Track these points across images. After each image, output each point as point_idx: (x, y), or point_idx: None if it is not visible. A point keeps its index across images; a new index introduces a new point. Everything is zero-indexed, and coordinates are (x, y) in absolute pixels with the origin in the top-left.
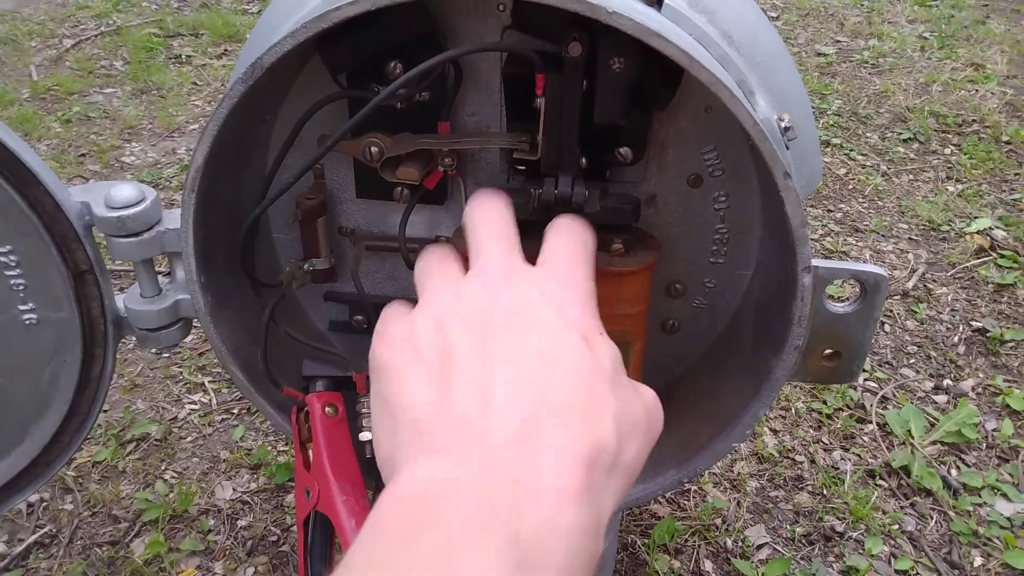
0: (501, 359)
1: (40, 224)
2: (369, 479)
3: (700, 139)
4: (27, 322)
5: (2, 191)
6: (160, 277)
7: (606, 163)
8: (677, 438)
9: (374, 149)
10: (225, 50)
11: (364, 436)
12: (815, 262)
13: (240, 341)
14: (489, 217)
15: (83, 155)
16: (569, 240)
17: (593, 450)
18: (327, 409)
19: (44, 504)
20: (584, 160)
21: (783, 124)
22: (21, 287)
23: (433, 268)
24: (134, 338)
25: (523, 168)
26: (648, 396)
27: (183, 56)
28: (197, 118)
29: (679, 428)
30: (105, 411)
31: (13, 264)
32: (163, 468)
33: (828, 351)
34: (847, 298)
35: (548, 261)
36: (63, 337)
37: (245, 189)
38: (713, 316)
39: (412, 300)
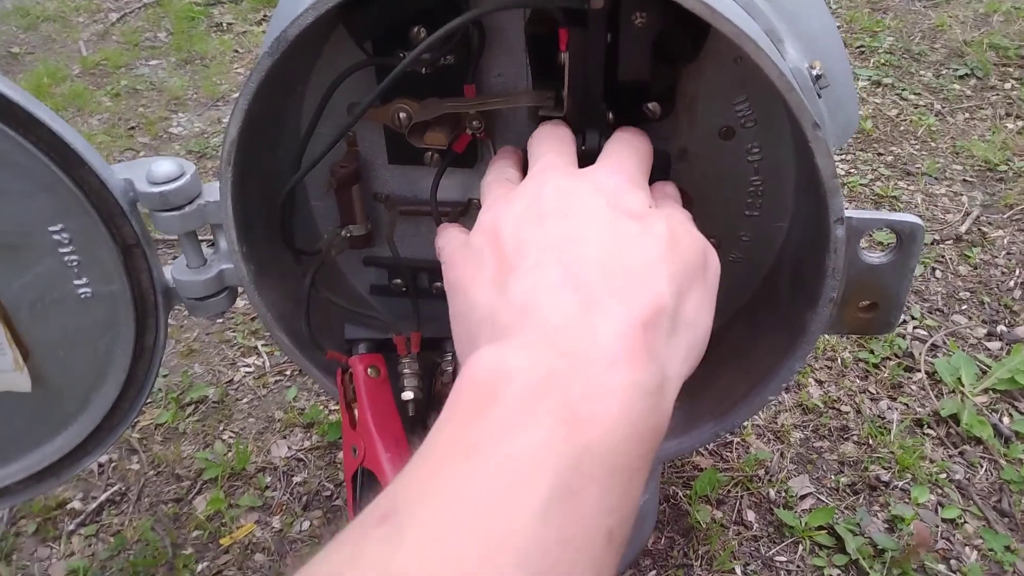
0: (552, 246)
1: (87, 202)
2: (412, 436)
3: (730, 90)
4: (82, 296)
5: (50, 172)
6: (205, 247)
7: (634, 118)
8: (714, 392)
9: (402, 115)
10: (264, 16)
11: (406, 396)
12: (849, 213)
13: (284, 307)
14: (549, 134)
15: (132, 128)
16: (624, 144)
17: (648, 312)
18: (369, 371)
19: (113, 464)
20: (611, 115)
21: (815, 72)
22: (75, 263)
23: (491, 182)
24: (184, 308)
25: None
26: (701, 242)
27: (224, 24)
28: (239, 86)
29: (716, 382)
30: (164, 376)
31: (66, 241)
32: (221, 429)
33: (864, 303)
34: (884, 247)
35: (601, 160)
36: (116, 309)
37: (280, 159)
38: (749, 270)
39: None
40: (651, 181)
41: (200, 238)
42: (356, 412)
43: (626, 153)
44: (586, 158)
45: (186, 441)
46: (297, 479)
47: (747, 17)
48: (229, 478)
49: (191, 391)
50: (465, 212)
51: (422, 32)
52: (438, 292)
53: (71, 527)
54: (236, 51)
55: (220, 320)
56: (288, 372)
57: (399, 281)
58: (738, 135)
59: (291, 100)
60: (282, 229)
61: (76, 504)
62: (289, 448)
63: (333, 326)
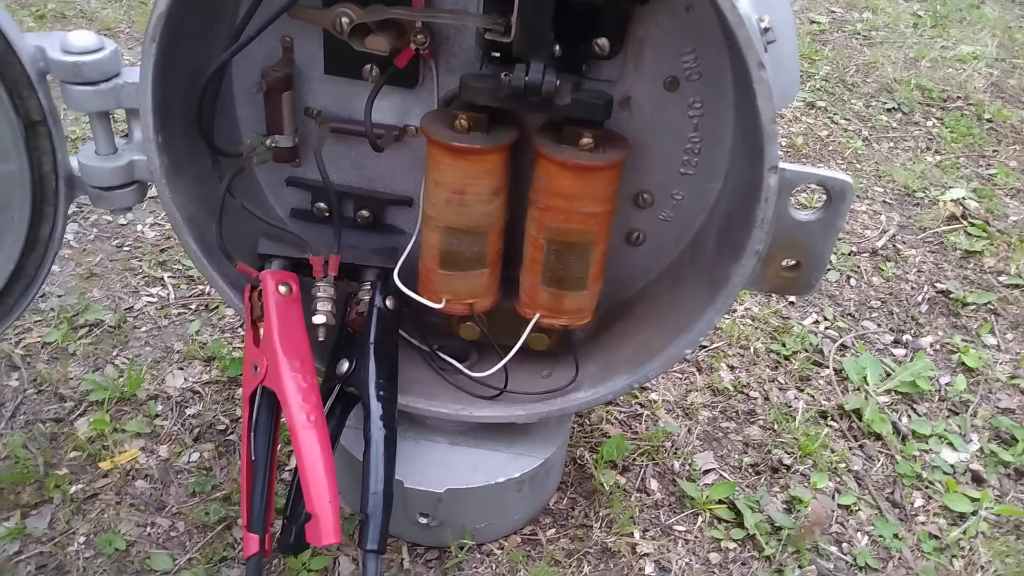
0: None
1: None
2: (319, 361)
3: (679, 39)
4: None
5: None
6: (117, 138)
7: (582, 54)
8: (631, 348)
9: (344, 20)
10: None
11: (318, 319)
12: (782, 165)
13: (196, 211)
14: None
15: None
16: None
17: None
18: (281, 287)
19: None
20: (559, 48)
21: (763, 25)
22: None
23: None
24: (87, 199)
25: (497, 55)
26: None
27: None
28: None
29: (634, 339)
30: (59, 296)
31: None
32: (114, 354)
33: (789, 261)
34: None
35: None
36: (10, 192)
37: (210, 53)
38: (679, 229)
39: (369, 197)
40: (590, 125)
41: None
42: (262, 330)
43: None
44: (527, 91)
45: (75, 363)
46: (191, 411)
47: None
48: (117, 403)
49: (86, 313)
50: (400, 138)
51: None
52: (363, 221)
53: None
54: None
55: (127, 248)
56: (193, 306)
57: (322, 205)
58: (682, 87)
59: None
60: (201, 118)
61: None
62: (186, 379)
63: (246, 241)
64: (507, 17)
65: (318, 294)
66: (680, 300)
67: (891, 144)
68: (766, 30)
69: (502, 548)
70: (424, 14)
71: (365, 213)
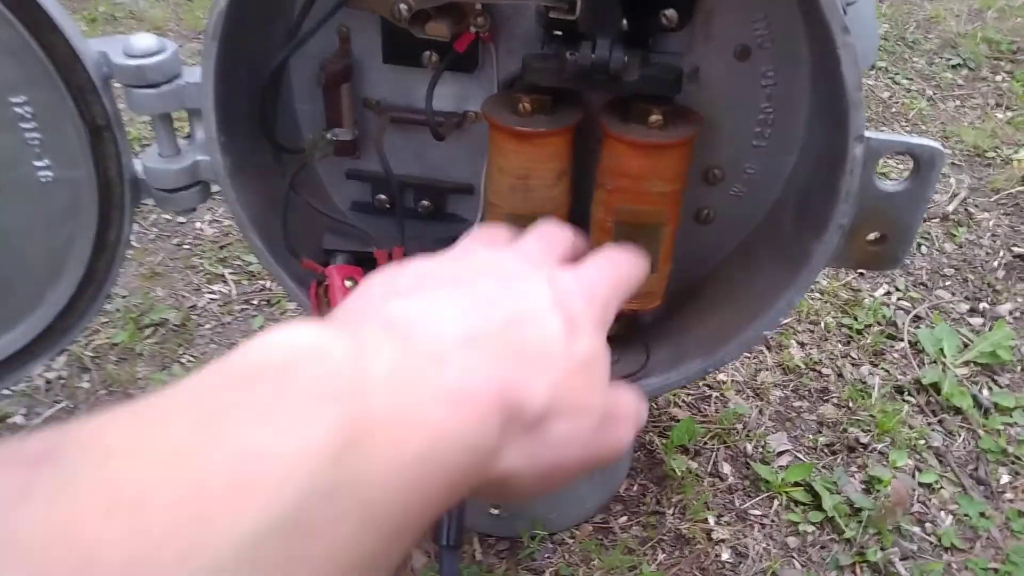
0: (466, 293)
1: (56, 73)
2: None
3: (749, 6)
4: (43, 179)
5: (16, 35)
6: (180, 140)
7: (649, 28)
8: (705, 328)
9: (403, 7)
10: None
11: None
12: (867, 133)
13: (260, 209)
14: (547, 231)
15: None
16: (608, 267)
17: (507, 390)
18: (347, 282)
19: (62, 382)
20: (625, 22)
21: None
22: (36, 141)
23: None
24: (152, 202)
25: (560, 34)
26: (622, 405)
27: None
28: None
29: (707, 321)
30: (124, 297)
31: (29, 116)
32: (180, 353)
33: (874, 235)
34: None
35: (575, 268)
36: (79, 197)
37: (270, 48)
38: (752, 205)
39: (430, 187)
40: (659, 101)
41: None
42: None
43: (605, 277)
44: (593, 69)
45: (142, 362)
46: None
47: None
48: None
49: (151, 313)
50: (460, 125)
51: None
52: (424, 211)
53: None
54: None
55: (187, 246)
56: (255, 302)
57: (383, 197)
58: (753, 56)
59: None
60: (263, 116)
61: (18, 419)
62: None
63: (311, 237)
64: None
65: None
66: (755, 279)
67: (958, 103)
68: None
69: (574, 537)
70: None
71: (426, 203)
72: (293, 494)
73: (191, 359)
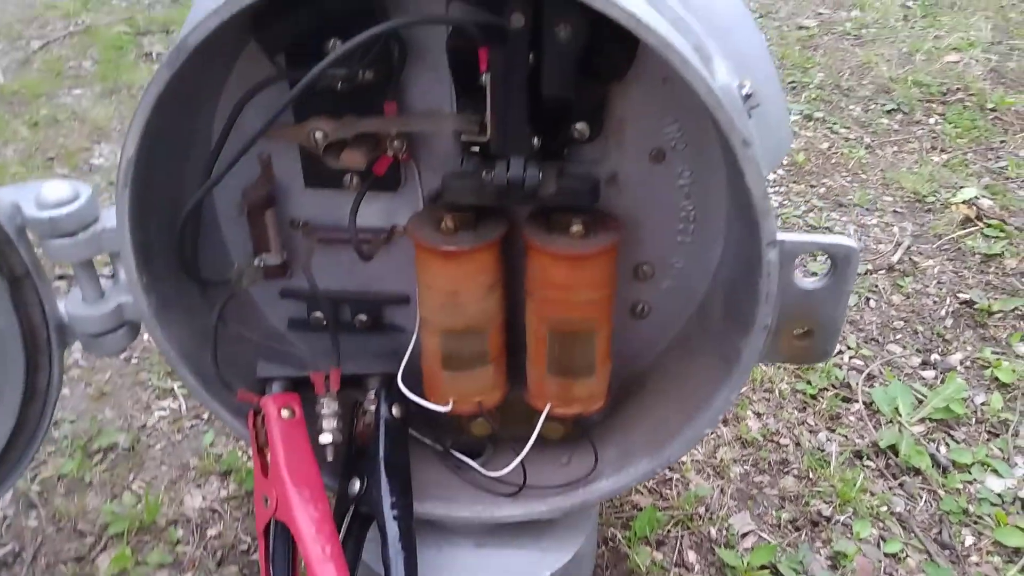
0: None
1: None
2: (331, 482)
3: (660, 112)
4: None
5: None
6: (104, 280)
7: (562, 141)
8: (648, 425)
9: (319, 134)
10: None
11: (324, 439)
12: (781, 236)
13: (190, 344)
14: None
15: (51, 158)
16: None
17: None
18: (283, 412)
19: (7, 522)
20: (537, 140)
21: (744, 91)
22: None
23: None
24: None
25: (477, 150)
26: None
27: (153, 54)
28: None
29: (650, 416)
30: (71, 422)
31: None
32: (131, 478)
33: (799, 330)
34: (817, 273)
35: None
36: (3, 346)
37: (187, 185)
38: (684, 298)
39: (365, 300)
40: (580, 209)
41: (101, 275)
42: (269, 458)
43: None
44: (510, 187)
45: (92, 492)
46: (212, 532)
47: (675, 32)
48: (137, 532)
49: (99, 437)
50: (389, 240)
51: (337, 45)
52: (362, 326)
53: None
54: None
55: (135, 360)
56: (205, 415)
57: (319, 314)
58: (668, 158)
59: (199, 119)
60: (182, 255)
61: None
62: (204, 498)
63: (245, 363)
64: (481, 115)
65: (322, 411)
66: (692, 372)
67: (895, 148)
68: (748, 96)
69: None
70: (398, 123)
71: (363, 317)
72: None
73: (141, 485)
